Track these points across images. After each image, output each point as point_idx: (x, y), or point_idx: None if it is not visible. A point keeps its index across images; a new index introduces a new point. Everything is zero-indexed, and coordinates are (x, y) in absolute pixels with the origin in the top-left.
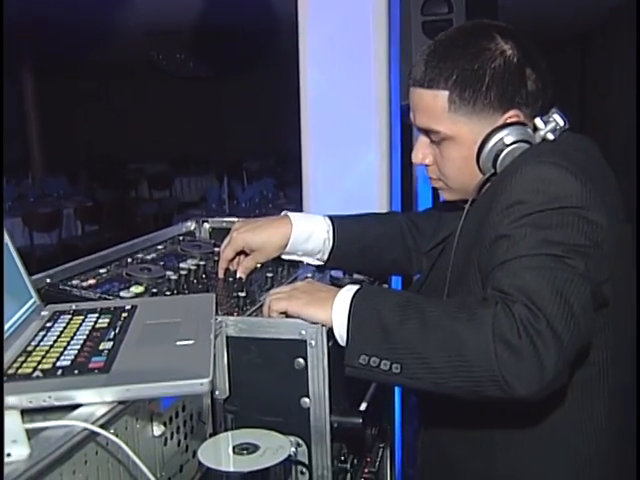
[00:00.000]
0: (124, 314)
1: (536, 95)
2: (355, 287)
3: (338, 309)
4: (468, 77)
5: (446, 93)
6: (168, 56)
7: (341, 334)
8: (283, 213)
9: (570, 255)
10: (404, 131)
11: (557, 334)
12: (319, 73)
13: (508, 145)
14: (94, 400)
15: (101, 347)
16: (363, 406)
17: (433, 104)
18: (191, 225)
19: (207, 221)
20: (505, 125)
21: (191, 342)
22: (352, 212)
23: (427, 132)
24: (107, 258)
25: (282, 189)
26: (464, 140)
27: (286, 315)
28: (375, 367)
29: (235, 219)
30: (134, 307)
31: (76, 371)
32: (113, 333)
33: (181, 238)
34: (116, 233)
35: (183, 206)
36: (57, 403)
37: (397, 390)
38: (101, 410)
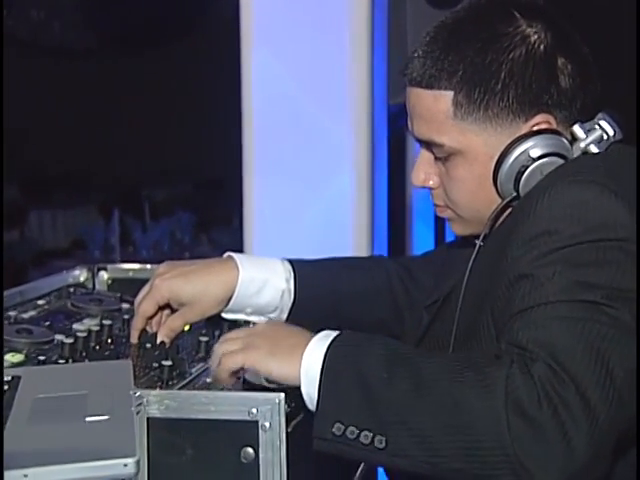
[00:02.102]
0: (4, 387)
1: (573, 94)
2: (333, 334)
3: (309, 362)
4: (478, 72)
5: (450, 94)
6: (19, 15)
7: (311, 395)
8: (226, 254)
9: (612, 302)
10: (392, 143)
11: (590, 405)
12: (270, 56)
13: (535, 160)
14: None
15: None
16: None
17: (434, 109)
18: (81, 274)
19: (105, 269)
20: (531, 134)
21: (105, 417)
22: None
23: (429, 145)
24: None
25: (205, 229)
26: (476, 155)
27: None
28: (352, 439)
29: (147, 266)
30: (16, 378)
31: None
32: None
33: (71, 290)
34: None
35: (44, 254)
36: None
37: None
38: None
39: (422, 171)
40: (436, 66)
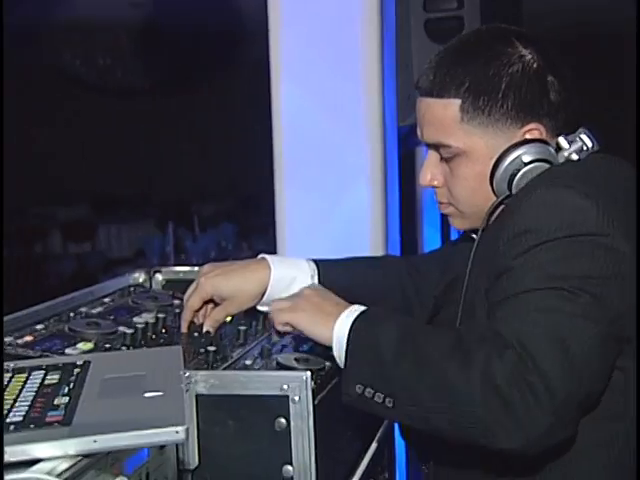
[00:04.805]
0: (76, 369)
1: (559, 107)
2: (361, 308)
3: (339, 330)
4: (482, 83)
5: (458, 102)
6: (88, 60)
7: (341, 357)
8: (260, 256)
9: (579, 291)
10: (402, 160)
11: (551, 389)
12: (295, 87)
13: (526, 164)
14: (56, 454)
15: (56, 402)
16: (357, 475)
17: (443, 115)
18: (140, 276)
19: (160, 271)
20: (524, 142)
21: (160, 393)
22: None
23: (437, 148)
24: (42, 314)
25: (246, 238)
26: (478, 155)
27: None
28: (370, 398)
29: (195, 268)
30: (87, 362)
31: (32, 425)
32: (67, 388)
33: (132, 289)
34: (17, 302)
35: (112, 263)
36: (13, 459)
37: (402, 457)
38: (63, 465)
39: (429, 172)
40: (446, 78)
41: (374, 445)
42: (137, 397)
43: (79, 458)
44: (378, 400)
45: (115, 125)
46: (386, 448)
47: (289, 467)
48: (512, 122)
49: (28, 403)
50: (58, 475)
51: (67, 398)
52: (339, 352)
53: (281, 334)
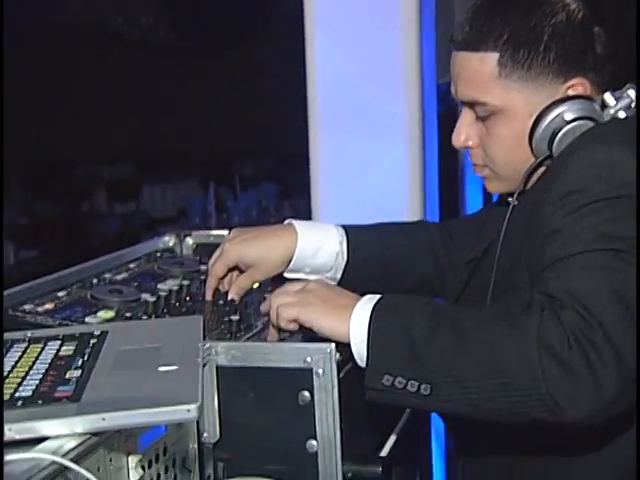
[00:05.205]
0: (93, 340)
1: (606, 60)
2: (377, 296)
3: (357, 321)
4: (522, 35)
5: (496, 55)
6: (131, 20)
7: (360, 352)
8: (287, 221)
9: (633, 251)
10: (442, 119)
11: (616, 346)
12: (330, 43)
13: (568, 122)
14: (63, 432)
15: (67, 376)
16: (385, 450)
17: (480, 69)
18: (170, 240)
19: (190, 235)
20: (566, 98)
21: (175, 367)
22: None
23: (472, 106)
24: (66, 280)
25: (287, 197)
26: (516, 113)
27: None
28: (401, 389)
29: (225, 232)
30: (104, 332)
31: (40, 401)
32: (81, 360)
33: (158, 254)
34: (63, 260)
35: (155, 222)
36: (18, 437)
37: (435, 428)
38: (71, 443)
39: (463, 132)
40: (483, 30)
41: (405, 418)
42: (151, 371)
43: (88, 436)
44: (411, 389)
45: (157, 84)
46: (419, 421)
47: (313, 441)
48: (554, 77)
49: (40, 376)
50: (65, 454)
51: (80, 371)
52: (359, 346)
53: (284, 333)
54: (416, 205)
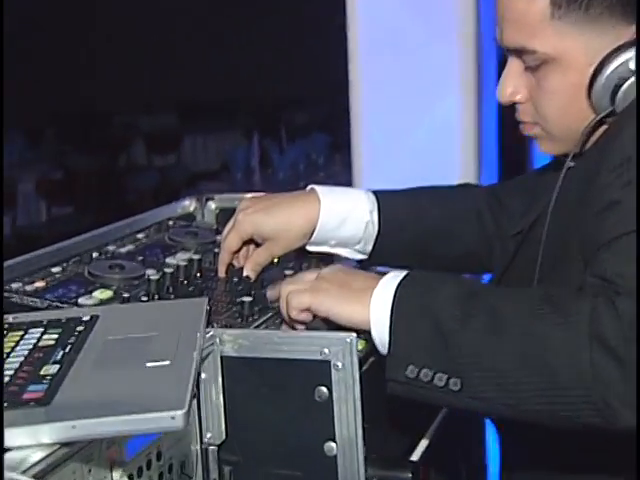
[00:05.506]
0: (79, 327)
1: None
2: (401, 274)
3: (378, 305)
4: None
5: None
6: None
7: (382, 339)
8: (309, 187)
9: None
10: (501, 68)
11: None
12: None
13: (634, 72)
14: (26, 442)
15: (43, 372)
16: (417, 453)
17: (527, 10)
18: (190, 205)
19: (212, 198)
20: (633, 43)
21: (166, 363)
22: (424, 184)
23: (519, 54)
24: (64, 253)
25: (338, 150)
26: (572, 62)
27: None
28: (427, 382)
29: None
30: (94, 318)
31: (5, 404)
32: (62, 353)
33: (171, 223)
34: (98, 218)
35: (195, 177)
36: None
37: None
38: (37, 455)
39: (510, 85)
40: None
41: (440, 417)
42: (138, 367)
43: (57, 446)
44: (439, 383)
45: (199, 28)
46: (462, 420)
47: (332, 444)
48: (618, 18)
49: (12, 372)
50: (26, 470)
51: (57, 367)
52: (380, 332)
53: (299, 325)
54: (470, 165)
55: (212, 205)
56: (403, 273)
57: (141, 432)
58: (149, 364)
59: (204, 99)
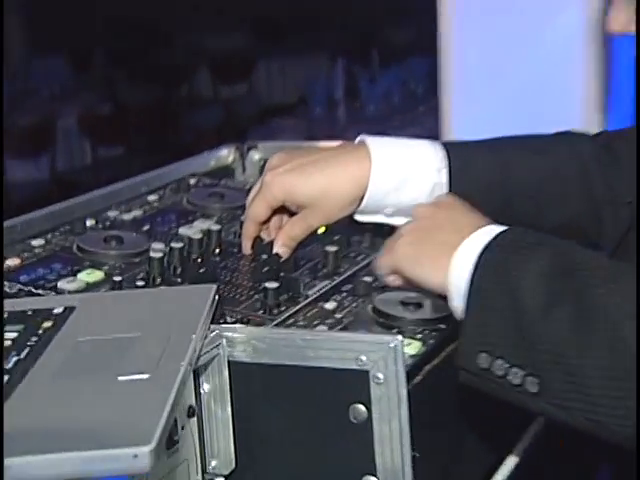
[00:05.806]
0: (46, 323)
1: None
2: (493, 230)
3: (457, 270)
4: None
5: None
6: None
7: (458, 308)
8: (359, 138)
9: None
10: None
11: None
12: None
13: None
14: None
15: None
16: None
17: None
18: (229, 155)
19: (255, 147)
20: None
21: (144, 376)
22: (533, 126)
23: None
24: (51, 221)
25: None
26: None
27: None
28: (500, 377)
29: (305, 144)
30: (68, 310)
31: None
32: (15, 359)
33: (192, 182)
34: (152, 162)
35: (269, 112)
36: None
37: None
38: None
39: (622, 10)
40: None
41: (521, 447)
42: (106, 382)
43: None
44: (514, 380)
45: None
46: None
47: (371, 478)
48: None
49: None
50: None
51: (6, 378)
52: (456, 301)
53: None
54: (591, 93)
55: (255, 155)
56: (497, 229)
57: (94, 475)
58: (121, 377)
59: (281, 19)
